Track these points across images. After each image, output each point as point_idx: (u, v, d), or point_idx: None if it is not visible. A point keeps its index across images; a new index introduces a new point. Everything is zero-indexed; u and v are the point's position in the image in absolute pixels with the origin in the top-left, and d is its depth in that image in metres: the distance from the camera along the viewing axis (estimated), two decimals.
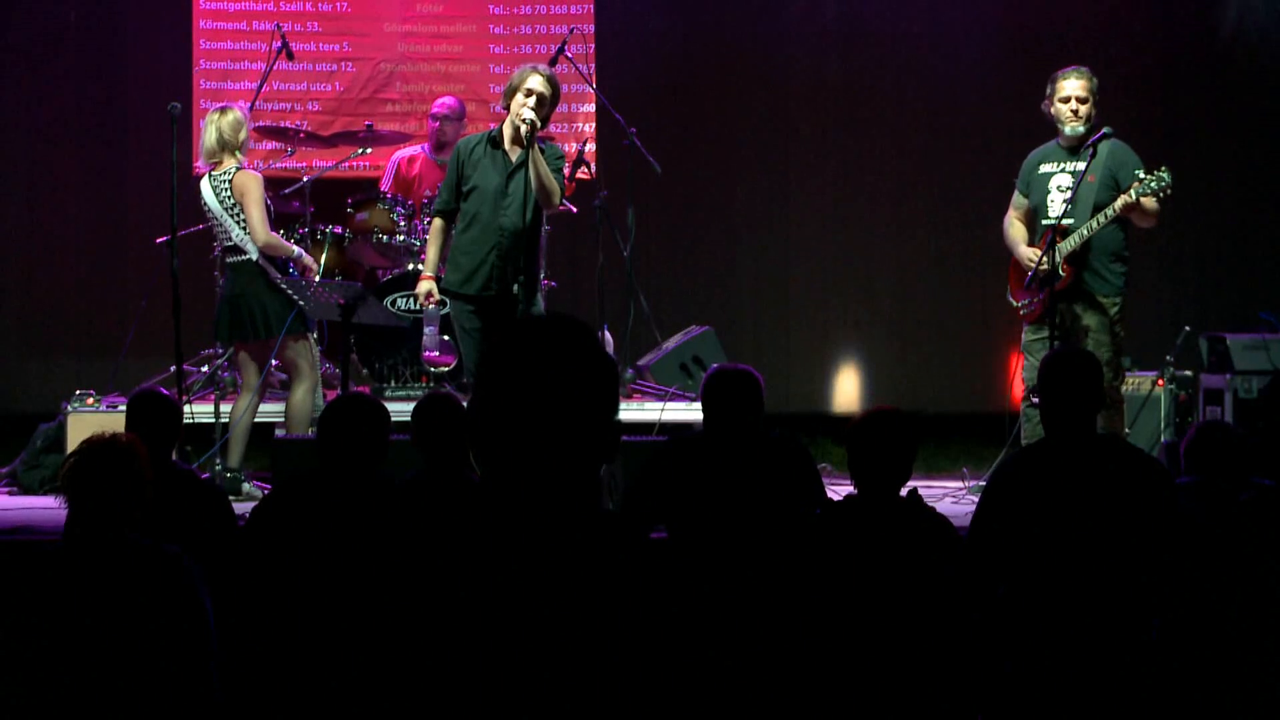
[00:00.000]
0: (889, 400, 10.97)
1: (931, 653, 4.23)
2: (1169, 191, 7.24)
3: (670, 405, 8.47)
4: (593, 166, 9.64)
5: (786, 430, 5.63)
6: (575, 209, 9.25)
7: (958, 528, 4.51)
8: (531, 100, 7.17)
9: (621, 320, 9.21)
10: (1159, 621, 4.27)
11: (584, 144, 9.73)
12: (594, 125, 10.46)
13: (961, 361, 10.98)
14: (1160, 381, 8.64)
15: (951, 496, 7.73)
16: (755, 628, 4.32)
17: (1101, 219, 7.27)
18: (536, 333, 2.35)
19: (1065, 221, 7.34)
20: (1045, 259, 7.32)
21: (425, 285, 7.40)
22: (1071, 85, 7.49)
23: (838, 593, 4.26)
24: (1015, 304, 7.61)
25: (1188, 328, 9.21)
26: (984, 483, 7.28)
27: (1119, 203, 7.25)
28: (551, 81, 7.26)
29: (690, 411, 8.36)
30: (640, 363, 9.30)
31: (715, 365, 5.66)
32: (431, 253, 7.43)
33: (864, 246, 11.04)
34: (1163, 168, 7.29)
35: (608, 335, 9.39)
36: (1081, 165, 7.43)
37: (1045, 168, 7.59)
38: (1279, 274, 10.88)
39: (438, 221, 7.47)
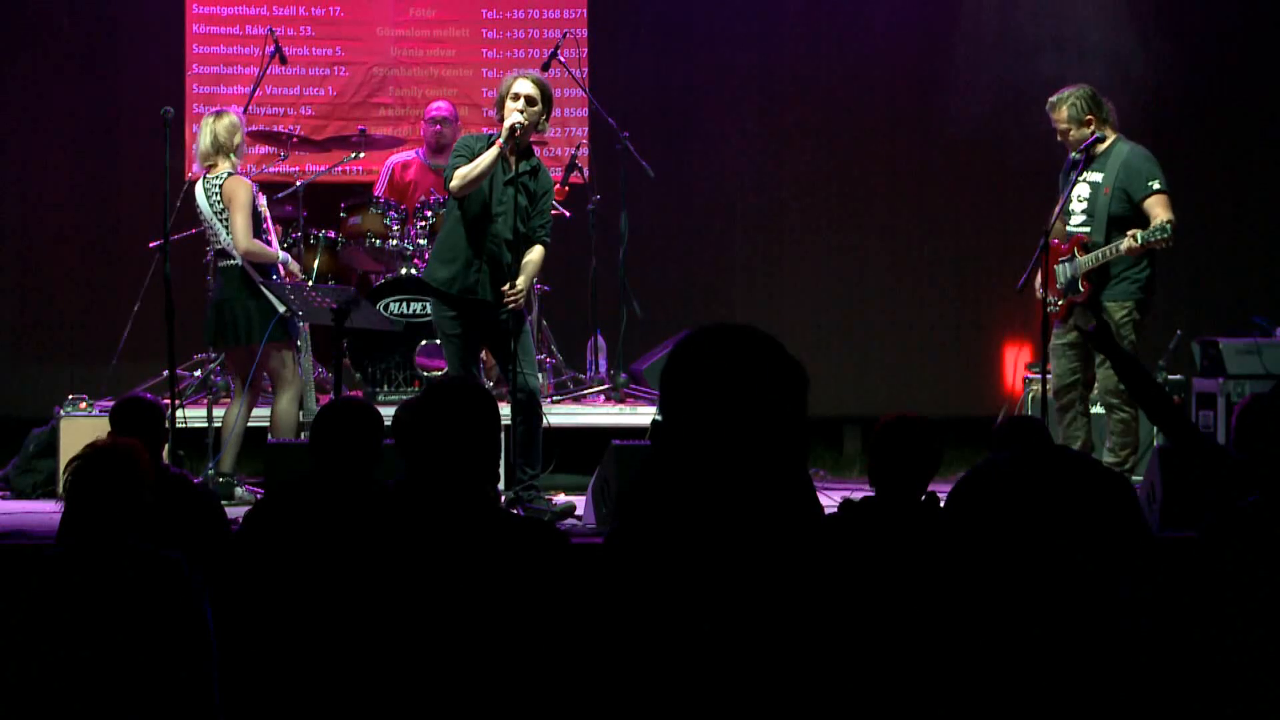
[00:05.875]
0: (887, 403, 10.98)
1: (947, 655, 4.22)
2: (1167, 244, 7.39)
3: None
4: (585, 171, 9.64)
5: None
6: (568, 214, 9.25)
7: None
8: (519, 104, 7.20)
9: (614, 325, 9.21)
10: (1127, 630, 4.26)
11: (577, 148, 9.73)
12: (587, 130, 10.46)
13: (954, 366, 10.98)
14: None
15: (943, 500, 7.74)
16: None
17: (1111, 251, 7.47)
18: (725, 341, 2.37)
19: (1083, 230, 7.53)
20: (1067, 271, 7.64)
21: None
22: (1052, 118, 7.77)
23: (852, 596, 4.25)
24: (1047, 297, 7.71)
25: (1180, 332, 9.22)
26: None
27: (1124, 245, 7.43)
28: (540, 84, 7.30)
29: None
30: (633, 367, 9.30)
31: None
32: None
33: (858, 250, 11.04)
34: (1168, 221, 7.40)
35: (601, 340, 9.39)
36: (1099, 176, 7.57)
37: (1073, 174, 7.72)
38: (1272, 278, 10.89)
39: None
